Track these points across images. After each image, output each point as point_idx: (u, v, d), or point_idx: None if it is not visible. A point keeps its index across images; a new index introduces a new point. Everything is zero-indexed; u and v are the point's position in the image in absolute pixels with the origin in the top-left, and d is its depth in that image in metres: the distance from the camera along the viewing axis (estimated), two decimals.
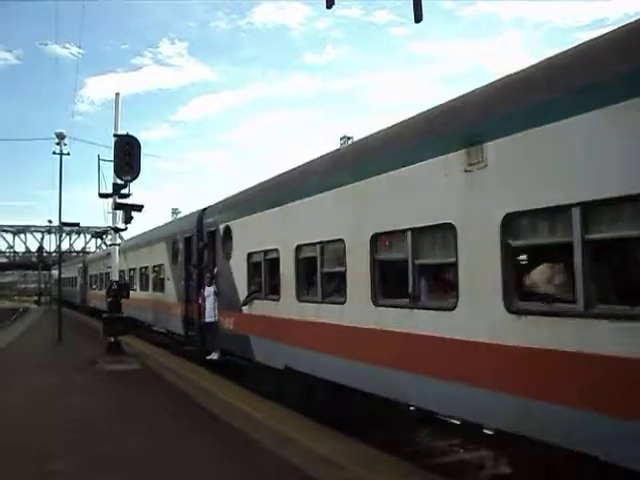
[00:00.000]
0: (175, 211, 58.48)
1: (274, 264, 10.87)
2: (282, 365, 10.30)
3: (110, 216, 18.13)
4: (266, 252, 11.24)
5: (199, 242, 15.26)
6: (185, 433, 8.64)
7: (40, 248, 71.54)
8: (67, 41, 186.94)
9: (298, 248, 9.87)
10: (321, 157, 10.10)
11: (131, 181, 16.95)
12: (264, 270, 11.35)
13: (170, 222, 21.05)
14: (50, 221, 63.79)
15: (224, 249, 13.35)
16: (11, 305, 73.36)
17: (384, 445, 7.68)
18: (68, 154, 27.27)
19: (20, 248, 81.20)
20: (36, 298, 74.32)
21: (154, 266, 21.26)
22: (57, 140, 26.67)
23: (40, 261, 68.23)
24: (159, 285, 20.32)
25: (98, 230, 72.47)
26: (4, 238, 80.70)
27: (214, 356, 13.86)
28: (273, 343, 10.74)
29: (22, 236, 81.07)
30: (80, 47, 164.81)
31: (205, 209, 15.65)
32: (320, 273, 9.22)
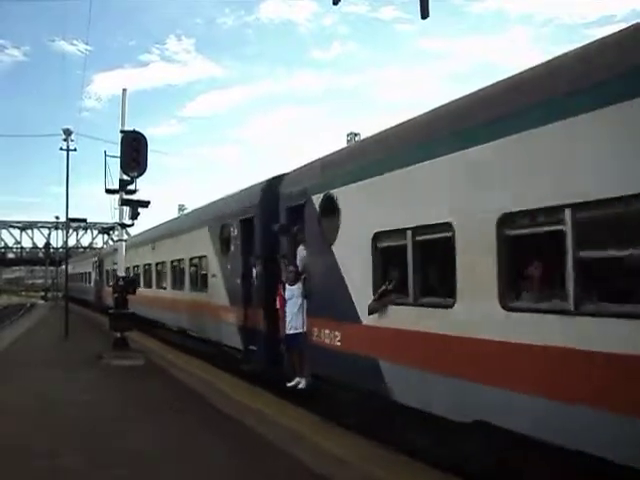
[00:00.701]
0: (182, 207, 58.82)
1: (438, 248, 6.73)
2: (469, 417, 6.06)
3: (117, 212, 18.22)
4: (421, 230, 6.92)
5: (267, 224, 10.97)
6: (191, 429, 8.41)
7: (47, 244, 71.59)
8: (74, 37, 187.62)
9: (507, 219, 5.62)
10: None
11: (137, 177, 16.39)
12: (413, 258, 7.01)
13: (213, 202, 15.89)
14: (57, 217, 63.40)
15: (322, 231, 8.95)
16: (18, 301, 73.36)
17: (398, 445, 7.64)
18: (75, 150, 27.21)
19: (27, 244, 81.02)
20: (43, 294, 74.91)
21: (191, 259, 16.63)
22: (64, 136, 26.81)
23: (47, 257, 68.47)
24: (198, 283, 16.00)
25: (105, 226, 72.47)
26: (11, 234, 79.97)
27: (301, 384, 9.54)
28: (443, 379, 6.40)
29: (29, 232, 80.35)
30: (87, 43, 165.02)
31: (279, 177, 11.28)
32: (574, 260, 4.97)
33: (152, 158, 19.03)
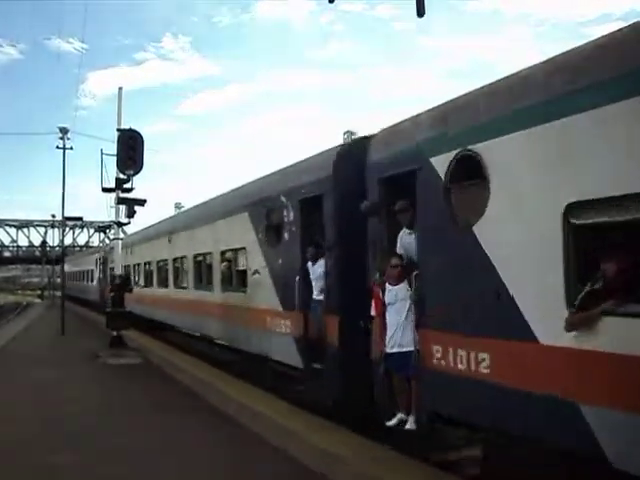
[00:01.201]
0: (178, 205, 58.51)
1: None
2: None
3: (113, 210, 18.11)
4: None
5: (345, 203, 8.18)
6: (186, 426, 8.36)
7: (43, 242, 71.44)
8: (70, 36, 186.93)
9: None
10: None
11: (134, 175, 16.22)
12: None
13: (254, 182, 12.57)
14: (53, 215, 63.27)
15: (452, 207, 6.16)
16: (15, 299, 73.20)
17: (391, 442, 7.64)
18: (71, 148, 27.20)
19: (23, 242, 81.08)
20: (39, 292, 74.75)
21: (223, 252, 13.31)
22: (60, 135, 26.74)
23: (43, 255, 68.37)
24: (233, 281, 12.69)
25: (101, 224, 72.48)
26: (7, 232, 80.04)
27: (408, 423, 6.75)
28: None
29: (25, 230, 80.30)
30: (83, 41, 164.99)
31: (362, 140, 8.43)
32: None
33: (148, 156, 18.93)
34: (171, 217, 21.16)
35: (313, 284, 8.93)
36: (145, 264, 22.36)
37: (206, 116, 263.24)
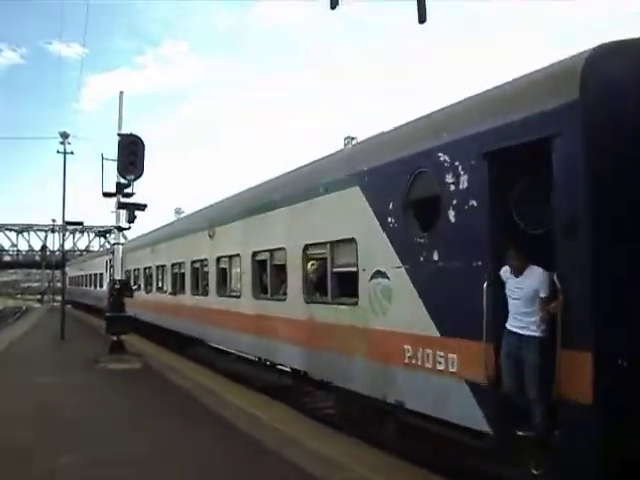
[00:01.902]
0: (178, 211, 58.74)
1: None
2: None
3: (114, 215, 18.21)
4: None
5: (616, 150, 5.06)
6: (187, 432, 8.27)
7: (44, 247, 71.65)
8: (71, 40, 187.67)
9: None
10: None
11: (135, 180, 16.05)
12: None
13: (371, 138, 9.04)
14: (54, 220, 63.65)
15: None
16: (14, 304, 73.37)
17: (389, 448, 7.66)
18: (72, 153, 27.29)
19: (23, 247, 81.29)
20: (39, 297, 74.86)
21: (307, 249, 9.58)
22: (61, 139, 26.81)
23: (44, 260, 68.50)
24: (332, 289, 8.85)
25: (102, 229, 72.71)
26: (7, 237, 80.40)
27: None
28: None
29: (25, 235, 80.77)
30: (84, 46, 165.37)
31: None
32: None
33: (149, 161, 18.99)
34: (211, 206, 16.23)
35: (513, 306, 5.68)
36: (173, 266, 18.07)
37: (206, 119, 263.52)
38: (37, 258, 72.67)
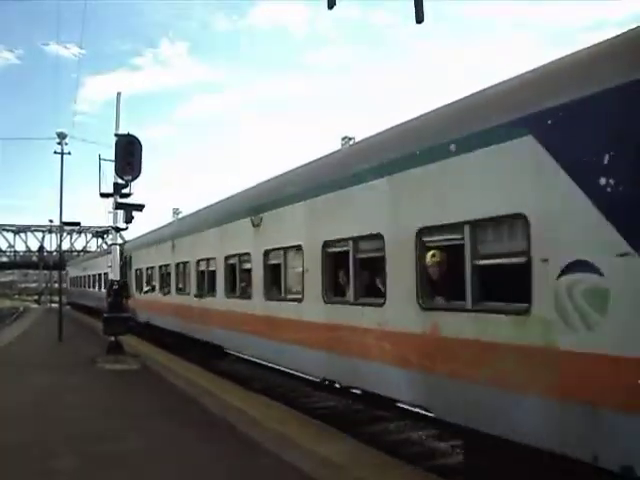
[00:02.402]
0: (176, 211, 58.61)
1: None
2: None
3: (111, 215, 18.09)
4: None
5: None
6: (184, 432, 8.26)
7: (41, 247, 71.62)
8: (68, 41, 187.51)
9: None
10: None
11: (132, 181, 16.09)
12: None
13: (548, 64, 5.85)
14: (51, 220, 63.55)
15: None
16: (11, 304, 73.25)
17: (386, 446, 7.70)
18: (69, 154, 27.20)
19: (21, 247, 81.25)
20: (36, 297, 74.84)
21: (422, 232, 6.75)
22: (58, 140, 26.74)
23: (41, 260, 68.49)
24: (477, 291, 6.00)
25: (99, 230, 72.69)
26: (5, 237, 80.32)
27: None
28: None
29: (23, 235, 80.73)
30: (81, 47, 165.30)
31: None
32: None
33: (146, 162, 18.88)
34: (255, 187, 12.96)
35: None
36: (199, 263, 15.21)
37: (201, 121, 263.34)
38: (34, 259, 72.51)
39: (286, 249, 10.32)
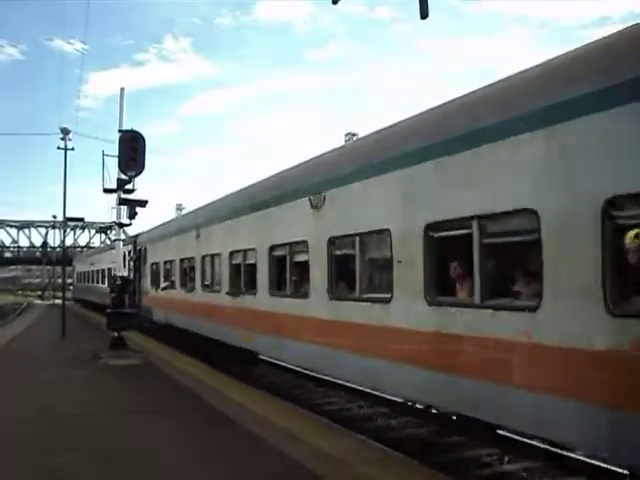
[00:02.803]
0: (179, 207, 58.59)
1: None
2: None
3: (114, 211, 17.84)
4: None
5: None
6: (186, 428, 8.24)
7: (44, 243, 71.78)
8: (72, 36, 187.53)
9: None
10: None
11: (135, 176, 16.07)
12: None
13: None
14: (54, 216, 63.80)
15: None
16: (15, 300, 73.30)
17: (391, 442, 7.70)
18: (73, 149, 27.18)
19: (24, 243, 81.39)
20: (40, 293, 75.02)
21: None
22: (62, 135, 26.74)
23: (44, 256, 68.62)
24: None
25: (103, 225, 72.79)
26: (8, 233, 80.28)
27: None
28: None
29: (26, 231, 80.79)
30: (85, 43, 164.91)
31: None
32: None
33: (149, 157, 18.89)
34: (310, 161, 10.71)
35: None
36: (233, 255, 13.11)
37: (205, 117, 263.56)
38: (38, 254, 72.69)
39: (362, 235, 8.12)
